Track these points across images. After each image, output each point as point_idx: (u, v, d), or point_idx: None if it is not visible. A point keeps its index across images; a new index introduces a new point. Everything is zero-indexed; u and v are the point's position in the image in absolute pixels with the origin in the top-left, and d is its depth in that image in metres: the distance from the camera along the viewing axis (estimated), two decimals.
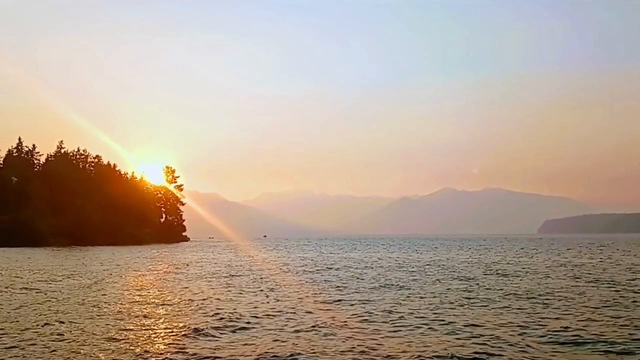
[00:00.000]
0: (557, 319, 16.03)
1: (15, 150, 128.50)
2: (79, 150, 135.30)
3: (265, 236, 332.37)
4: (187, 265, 44.46)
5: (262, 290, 24.18)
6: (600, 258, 51.76)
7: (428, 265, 42.29)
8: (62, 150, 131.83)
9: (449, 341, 13.00)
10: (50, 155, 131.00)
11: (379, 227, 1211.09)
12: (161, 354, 11.95)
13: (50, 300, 20.93)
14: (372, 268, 39.27)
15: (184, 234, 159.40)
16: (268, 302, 20.01)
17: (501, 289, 24.00)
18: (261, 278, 30.98)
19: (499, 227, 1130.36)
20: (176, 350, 12.24)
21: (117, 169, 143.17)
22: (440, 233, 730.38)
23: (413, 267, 39.85)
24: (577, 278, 29.69)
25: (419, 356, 11.54)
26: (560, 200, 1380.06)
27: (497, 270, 35.78)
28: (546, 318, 16.19)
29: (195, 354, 11.88)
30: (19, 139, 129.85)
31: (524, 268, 38.05)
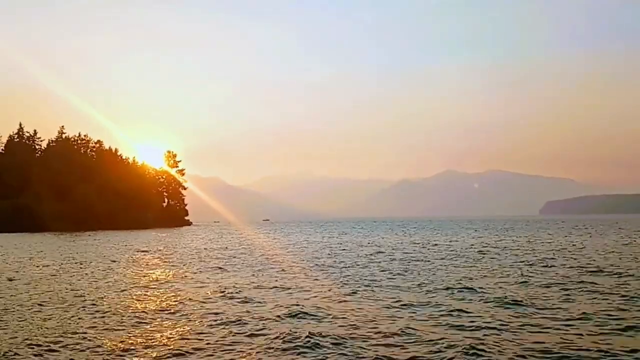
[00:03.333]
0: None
1: (16, 136, 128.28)
2: (80, 135, 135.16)
3: (268, 220, 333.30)
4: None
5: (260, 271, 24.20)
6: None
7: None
8: (64, 136, 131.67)
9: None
10: (52, 141, 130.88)
11: (380, 210, 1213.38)
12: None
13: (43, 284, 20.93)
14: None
15: (186, 218, 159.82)
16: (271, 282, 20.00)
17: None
18: (256, 260, 31.00)
19: (501, 209, 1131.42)
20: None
21: (118, 153, 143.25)
22: (442, 215, 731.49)
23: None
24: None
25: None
26: (563, 181, 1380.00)
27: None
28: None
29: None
30: (20, 124, 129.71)
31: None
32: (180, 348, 11.19)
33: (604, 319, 13.66)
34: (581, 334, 12.10)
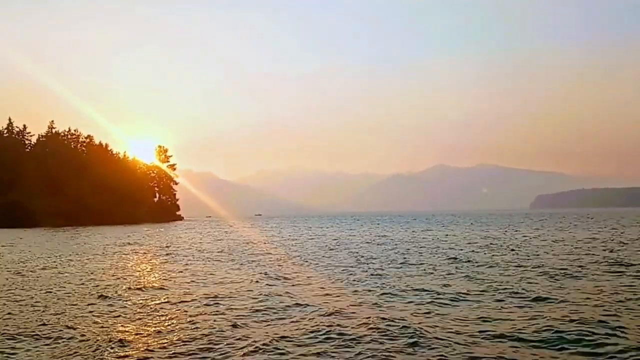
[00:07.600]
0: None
1: (5, 131, 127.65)
2: (70, 130, 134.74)
3: (260, 214, 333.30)
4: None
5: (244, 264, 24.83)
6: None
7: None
8: (54, 130, 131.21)
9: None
10: (42, 136, 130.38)
11: (373, 204, 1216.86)
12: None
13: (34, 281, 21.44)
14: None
15: (177, 213, 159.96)
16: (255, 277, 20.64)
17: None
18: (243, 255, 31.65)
19: (492, 203, 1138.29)
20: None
21: (109, 148, 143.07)
22: (433, 209, 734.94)
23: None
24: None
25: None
26: (553, 175, 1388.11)
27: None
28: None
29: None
30: (9, 119, 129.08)
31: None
32: (154, 347, 10.79)
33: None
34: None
